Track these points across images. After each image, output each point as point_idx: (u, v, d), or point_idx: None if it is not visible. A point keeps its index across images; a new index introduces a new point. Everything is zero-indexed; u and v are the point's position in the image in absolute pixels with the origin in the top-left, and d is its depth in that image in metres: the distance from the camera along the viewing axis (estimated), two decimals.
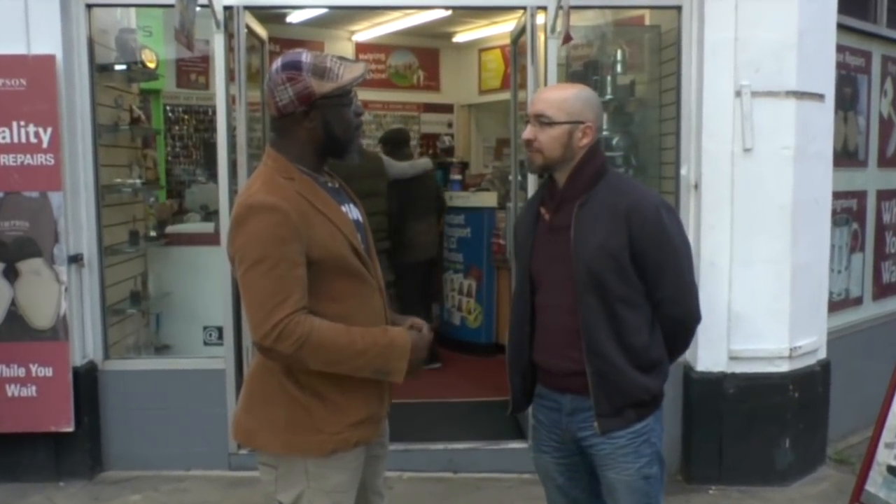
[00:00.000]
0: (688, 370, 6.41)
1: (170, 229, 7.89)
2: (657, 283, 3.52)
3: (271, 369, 3.23)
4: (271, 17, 10.13)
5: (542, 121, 3.54)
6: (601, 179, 3.58)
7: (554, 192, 3.67)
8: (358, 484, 3.43)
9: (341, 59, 3.25)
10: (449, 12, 11.57)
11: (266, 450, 3.30)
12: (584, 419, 3.60)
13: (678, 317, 3.63)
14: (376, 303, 3.36)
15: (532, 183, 6.52)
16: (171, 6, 5.67)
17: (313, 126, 3.20)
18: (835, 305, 7.17)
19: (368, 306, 3.31)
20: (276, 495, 3.33)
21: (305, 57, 3.18)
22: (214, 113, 6.58)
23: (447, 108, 14.54)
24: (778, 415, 6.38)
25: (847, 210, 7.39)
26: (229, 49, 6.46)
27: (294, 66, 3.16)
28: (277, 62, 3.22)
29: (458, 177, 11.28)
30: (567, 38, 6.01)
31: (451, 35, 13.76)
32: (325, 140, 3.24)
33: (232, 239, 3.14)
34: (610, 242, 3.44)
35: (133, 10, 7.43)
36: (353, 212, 3.41)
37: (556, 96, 3.62)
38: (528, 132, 3.58)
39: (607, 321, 3.48)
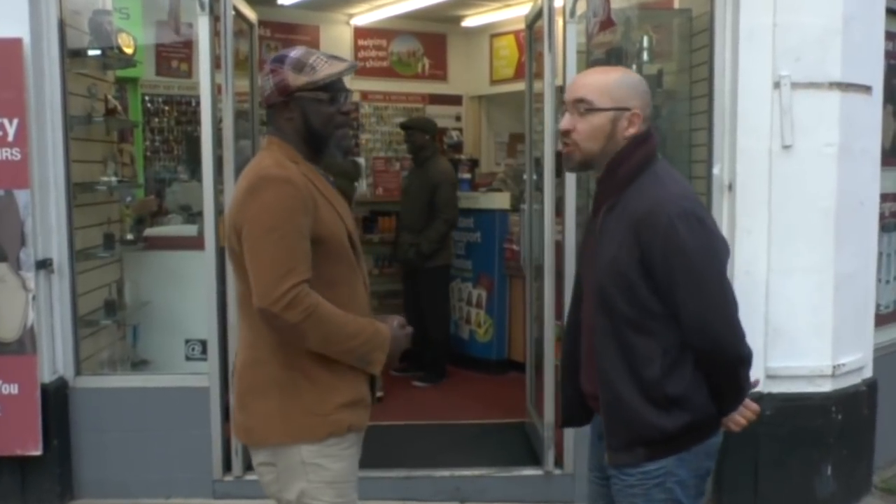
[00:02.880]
0: None
1: (149, 232, 7.91)
2: (675, 307, 3.32)
3: (262, 361, 3.60)
4: None
5: (583, 107, 3.42)
6: (639, 177, 3.42)
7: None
8: (357, 476, 3.75)
9: (333, 57, 3.70)
10: None
11: (264, 443, 3.65)
12: (605, 446, 3.57)
13: (703, 349, 3.37)
14: (362, 293, 3.74)
15: (549, 182, 6.54)
16: None
17: (292, 117, 3.63)
18: (882, 319, 7.17)
19: (357, 296, 3.68)
20: (280, 494, 3.68)
21: (295, 52, 3.64)
22: (198, 104, 6.58)
23: (455, 100, 14.45)
24: (819, 439, 6.38)
25: None
26: (215, 33, 6.45)
27: (279, 60, 3.62)
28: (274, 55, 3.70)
29: (467, 176, 11.35)
30: (608, 24, 5.97)
31: (459, 19, 13.75)
32: (304, 132, 3.65)
33: (242, 207, 3.49)
34: (620, 257, 3.32)
35: None
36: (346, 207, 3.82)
37: (599, 79, 3.49)
38: (566, 121, 3.45)
39: (616, 346, 3.38)
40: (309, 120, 3.62)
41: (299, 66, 3.56)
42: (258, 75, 7.44)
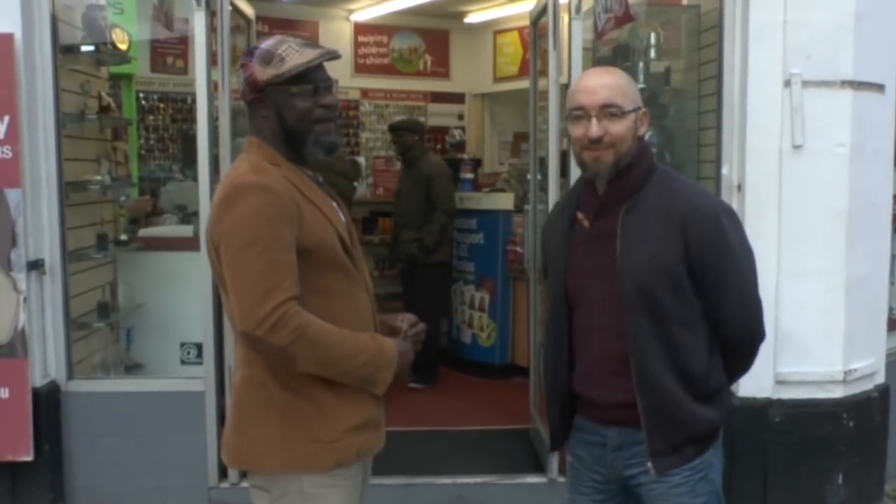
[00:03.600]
0: (728, 396, 6.38)
1: (143, 232, 7.92)
2: (718, 299, 3.47)
3: (260, 381, 3.33)
4: None
5: (612, 112, 3.44)
6: (650, 178, 3.52)
7: (593, 194, 3.61)
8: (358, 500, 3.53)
9: (306, 44, 3.43)
10: None
11: (262, 470, 3.40)
12: (632, 455, 3.57)
13: (742, 336, 3.60)
14: (364, 303, 3.51)
15: (554, 183, 6.54)
16: None
17: (267, 115, 3.42)
18: (895, 323, 7.17)
19: (356, 306, 3.45)
20: None
21: (267, 42, 3.41)
22: (194, 101, 6.57)
23: (458, 98, 14.47)
24: (830, 446, 6.37)
25: None
26: (211, 29, 6.46)
27: (250, 53, 3.42)
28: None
29: (469, 176, 11.33)
30: (625, 19, 5.95)
31: (462, 15, 13.73)
32: (279, 130, 3.42)
33: (218, 221, 3.26)
34: (663, 254, 3.39)
35: None
36: (338, 210, 3.55)
37: (615, 82, 3.53)
38: (595, 128, 3.44)
39: (661, 346, 3.42)
40: (281, 115, 3.39)
41: (267, 58, 3.34)
42: None
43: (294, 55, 3.34)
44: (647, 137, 6.83)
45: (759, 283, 3.60)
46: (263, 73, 3.33)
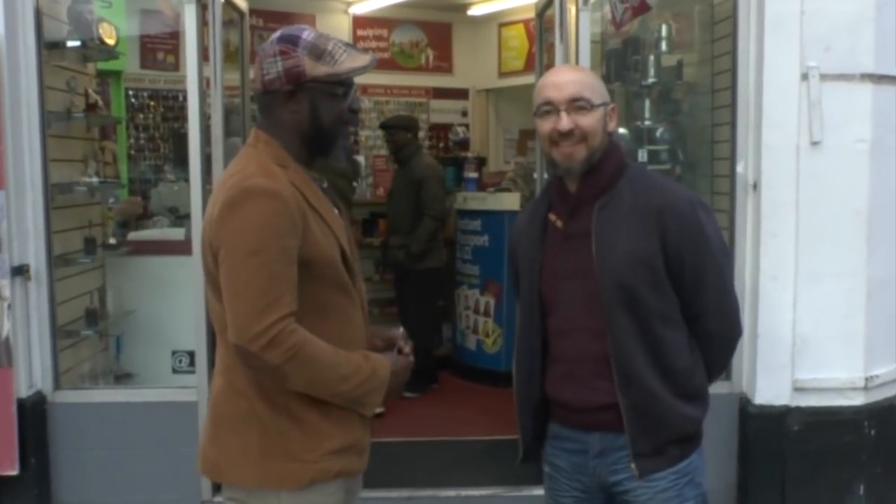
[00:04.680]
0: (744, 403, 6.41)
1: (133, 236, 7.93)
2: (696, 293, 3.54)
3: (240, 391, 3.32)
4: None
5: (580, 105, 3.51)
6: (622, 175, 3.59)
7: (564, 194, 3.67)
8: None
9: (348, 45, 3.39)
10: None
11: (237, 483, 3.39)
12: (616, 460, 3.59)
13: (720, 333, 3.68)
14: (359, 322, 3.48)
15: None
16: None
17: (297, 110, 3.34)
18: None
19: (351, 325, 3.43)
20: None
21: (307, 34, 3.33)
22: (185, 99, 6.60)
23: (461, 94, 14.46)
24: (851, 456, 6.37)
25: None
26: (203, 23, 6.45)
27: (291, 41, 3.30)
28: (277, 33, 3.37)
29: (474, 175, 11.29)
30: (642, 8, 5.93)
31: (465, 7, 13.77)
32: (308, 129, 3.36)
33: (221, 223, 3.20)
34: (641, 249, 3.45)
35: None
36: (340, 218, 3.53)
37: (583, 77, 3.66)
38: (566, 122, 3.51)
39: (644, 344, 3.48)
40: (318, 115, 3.34)
41: (317, 53, 3.28)
42: (249, 67, 7.47)
43: (344, 56, 3.32)
44: (657, 134, 6.91)
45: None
46: (314, 69, 3.28)
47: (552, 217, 3.70)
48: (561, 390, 3.68)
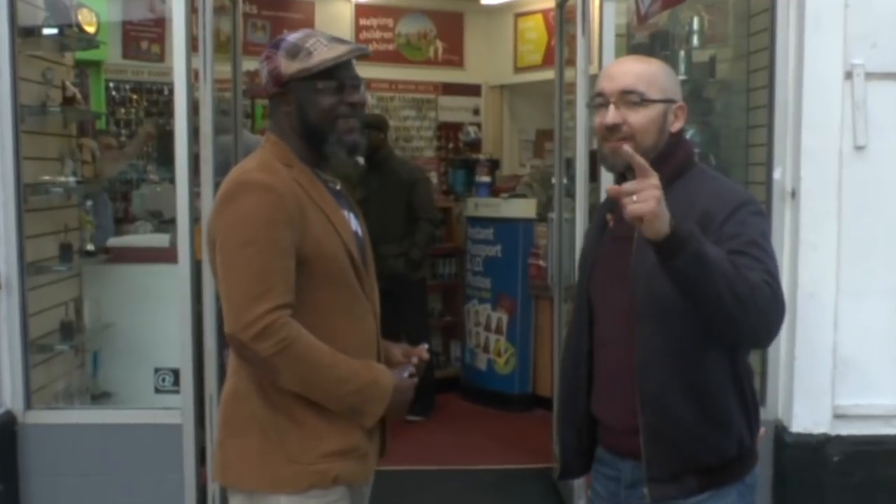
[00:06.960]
0: (780, 431, 6.40)
1: (113, 242, 7.93)
2: None
3: (243, 395, 3.54)
4: None
5: (632, 99, 3.47)
6: (683, 175, 3.53)
7: None
8: None
9: (335, 39, 3.63)
10: None
11: (237, 486, 3.58)
12: (644, 495, 3.52)
13: (760, 342, 3.56)
14: (369, 326, 3.68)
15: (582, 187, 6.54)
16: None
17: (289, 111, 3.63)
18: None
19: (358, 328, 3.61)
20: None
21: (294, 35, 3.63)
22: (171, 92, 6.57)
23: (473, 90, 14.45)
24: None
25: None
26: (192, 10, 6.44)
27: (275, 44, 3.62)
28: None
29: (486, 179, 11.32)
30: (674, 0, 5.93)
31: None
32: (300, 127, 3.63)
33: (217, 216, 3.50)
34: None
35: None
36: (352, 221, 3.72)
37: (644, 69, 3.57)
38: (612, 115, 3.47)
39: (670, 358, 3.39)
40: (304, 112, 3.58)
41: (294, 51, 3.54)
42: (242, 59, 7.50)
43: (322, 50, 3.54)
44: (688, 136, 6.89)
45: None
46: (289, 67, 3.53)
47: (608, 216, 3.69)
48: (600, 407, 3.68)
